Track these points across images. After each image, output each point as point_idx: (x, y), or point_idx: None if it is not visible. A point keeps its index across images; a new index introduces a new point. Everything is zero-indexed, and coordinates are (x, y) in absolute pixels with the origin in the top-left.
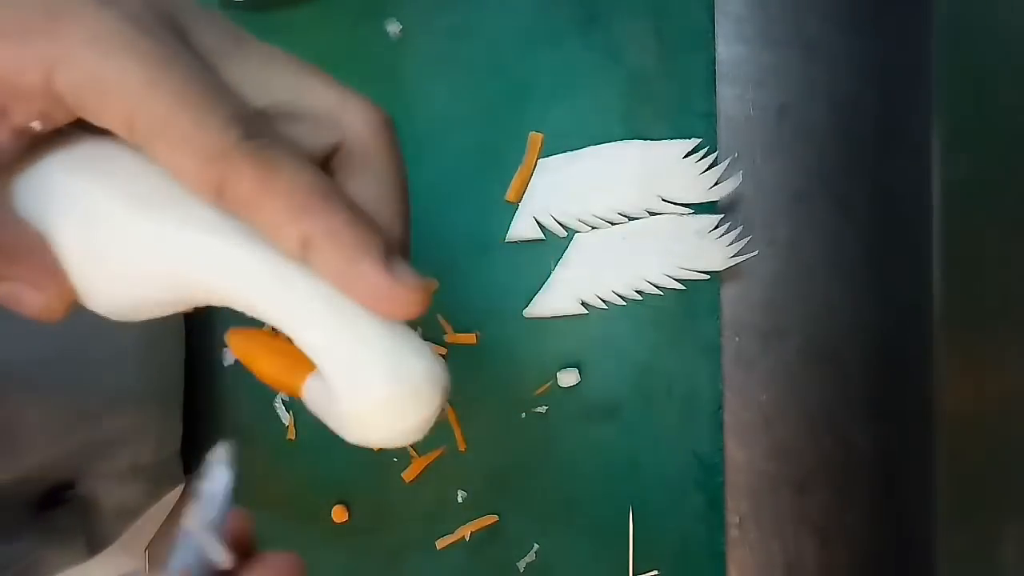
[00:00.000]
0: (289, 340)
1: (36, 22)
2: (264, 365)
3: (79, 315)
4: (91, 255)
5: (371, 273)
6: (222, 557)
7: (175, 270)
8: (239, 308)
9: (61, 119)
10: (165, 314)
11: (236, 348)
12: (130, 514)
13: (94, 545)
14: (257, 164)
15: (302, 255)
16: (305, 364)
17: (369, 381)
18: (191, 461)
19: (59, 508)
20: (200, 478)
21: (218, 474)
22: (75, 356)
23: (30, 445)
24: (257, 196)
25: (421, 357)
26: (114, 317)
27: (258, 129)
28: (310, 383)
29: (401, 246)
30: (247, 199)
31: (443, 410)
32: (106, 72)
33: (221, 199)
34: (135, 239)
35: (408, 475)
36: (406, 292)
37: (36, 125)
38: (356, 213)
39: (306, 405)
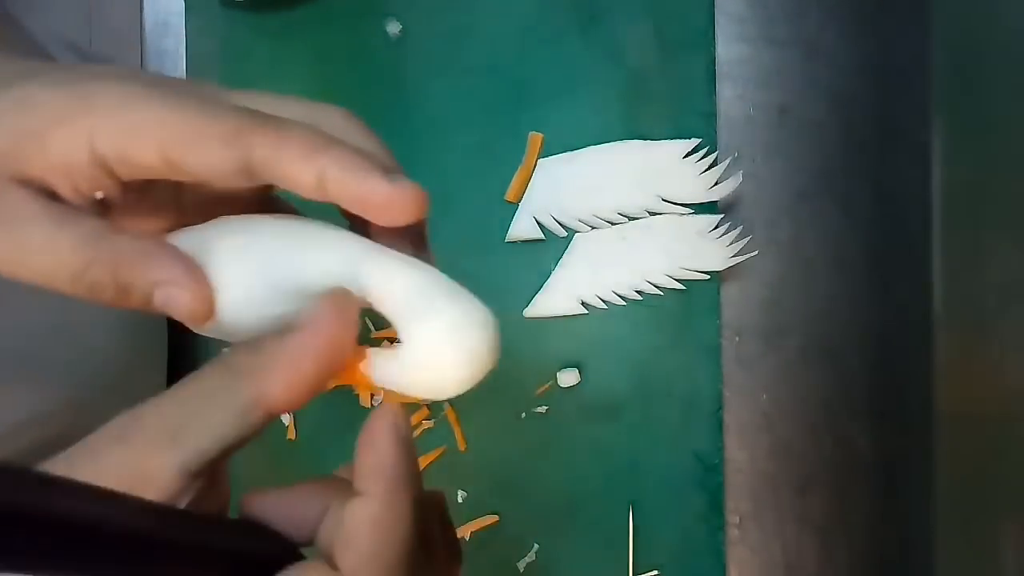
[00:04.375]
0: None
1: (71, 106)
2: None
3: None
4: (241, 278)
5: (377, 185)
6: None
7: (314, 279)
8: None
9: (112, 186)
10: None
11: None
12: None
13: None
14: (268, 130)
15: (320, 188)
16: (359, 354)
17: (441, 312)
18: None
19: None
20: None
21: None
22: (64, 339)
23: (15, 428)
24: (275, 152)
25: (484, 311)
26: (234, 327)
27: (260, 113)
28: (372, 358)
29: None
30: (268, 157)
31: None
32: (132, 122)
33: (251, 172)
34: (283, 259)
35: None
36: (408, 195)
37: (99, 195)
38: (356, 148)
39: (374, 380)
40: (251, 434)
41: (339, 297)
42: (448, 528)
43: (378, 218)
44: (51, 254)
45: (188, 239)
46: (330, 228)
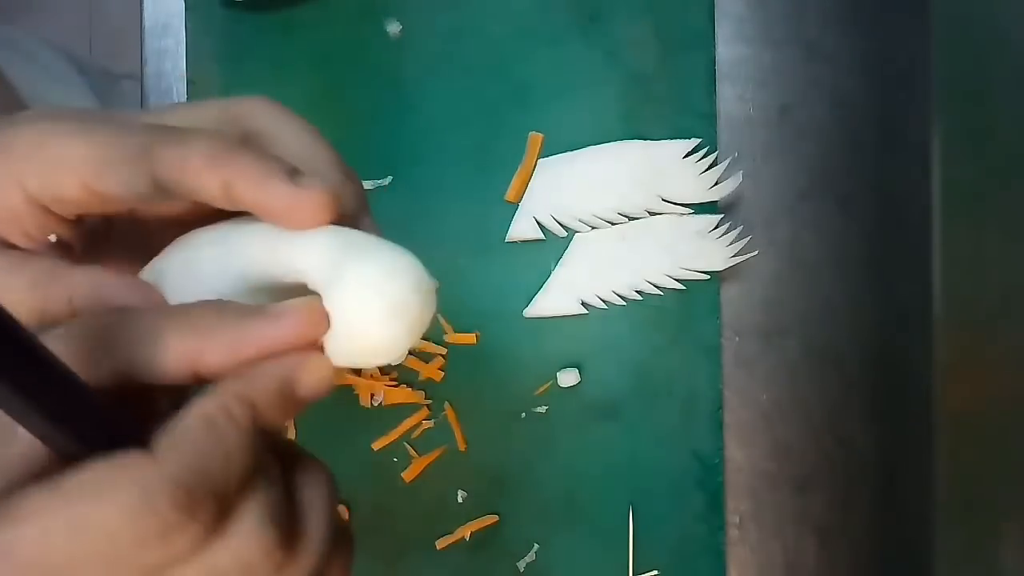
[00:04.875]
0: None
1: None
2: None
3: None
4: (188, 296)
5: (278, 189)
6: None
7: (263, 268)
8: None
9: (59, 226)
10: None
11: None
12: None
13: None
14: (171, 144)
15: (227, 197)
16: None
17: (359, 266)
18: None
19: None
20: None
21: None
22: None
23: None
24: (180, 166)
25: (409, 259)
26: None
27: (166, 128)
28: None
29: (347, 188)
30: (174, 173)
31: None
32: (49, 159)
33: (162, 189)
34: (240, 257)
35: (408, 475)
36: (311, 197)
37: (52, 237)
38: (259, 153)
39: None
40: None
41: (313, 304)
42: (333, 510)
43: (285, 223)
44: (8, 297)
45: (147, 269)
46: (261, 223)
